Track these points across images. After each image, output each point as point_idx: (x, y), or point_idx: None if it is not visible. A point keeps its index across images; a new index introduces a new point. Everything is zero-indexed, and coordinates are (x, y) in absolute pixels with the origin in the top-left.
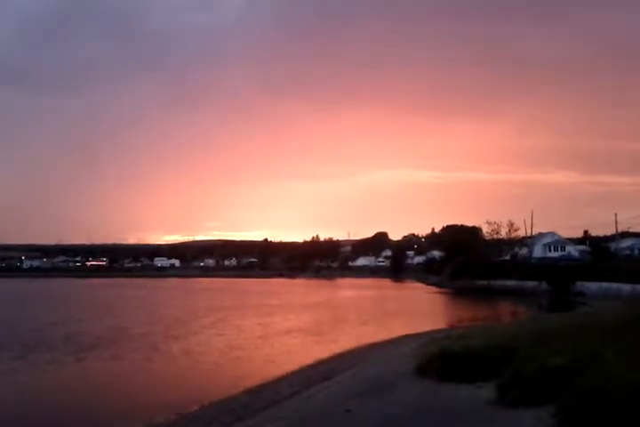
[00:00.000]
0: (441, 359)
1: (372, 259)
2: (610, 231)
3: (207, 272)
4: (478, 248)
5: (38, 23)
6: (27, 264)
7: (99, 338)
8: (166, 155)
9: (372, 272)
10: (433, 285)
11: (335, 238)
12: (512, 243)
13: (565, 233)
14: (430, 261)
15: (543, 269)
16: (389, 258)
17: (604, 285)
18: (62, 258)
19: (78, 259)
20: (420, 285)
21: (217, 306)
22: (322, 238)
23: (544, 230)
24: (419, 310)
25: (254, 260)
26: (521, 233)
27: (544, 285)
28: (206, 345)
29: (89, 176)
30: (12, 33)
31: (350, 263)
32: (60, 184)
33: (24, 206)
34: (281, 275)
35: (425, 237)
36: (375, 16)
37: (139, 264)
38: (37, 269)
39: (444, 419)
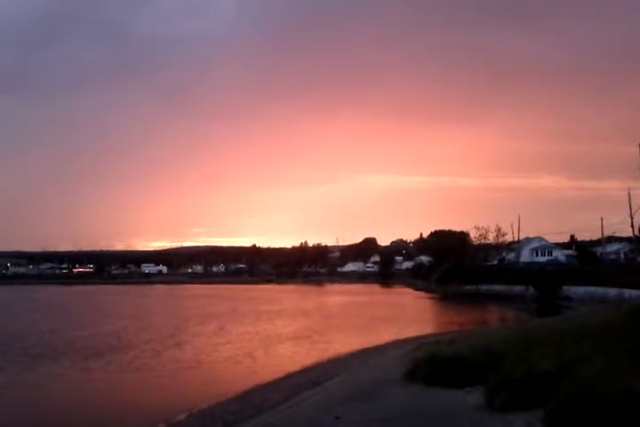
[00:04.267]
0: (429, 365)
1: (361, 264)
2: (596, 236)
3: (195, 279)
4: (466, 253)
5: (35, 27)
6: (12, 271)
7: (98, 347)
8: (154, 161)
9: (361, 278)
10: (421, 290)
11: (324, 244)
12: (499, 248)
13: (552, 238)
14: (419, 267)
15: (530, 273)
16: (378, 263)
17: (591, 289)
18: (48, 265)
19: (65, 266)
20: (408, 290)
21: (209, 313)
22: (310, 244)
23: (531, 235)
24: (407, 315)
25: (242, 266)
26: (508, 238)
27: (531, 289)
28: (204, 353)
29: (76, 182)
30: (5, 36)
31: (339, 269)
32: (46, 190)
33: (9, 212)
34: (270, 281)
35: (413, 243)
36: (365, 23)
37: (126, 271)
38: (23, 276)
39: (433, 424)
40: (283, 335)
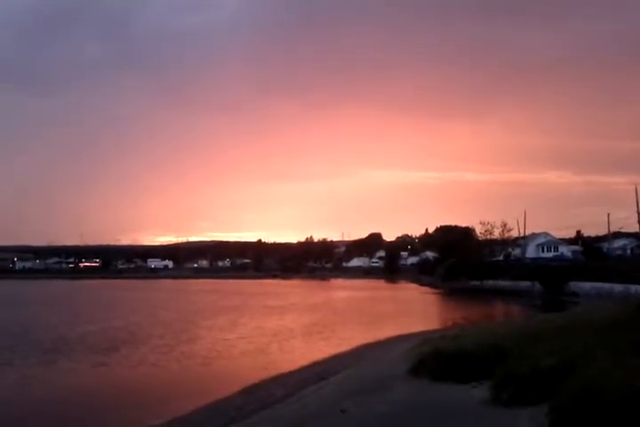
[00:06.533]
0: (435, 359)
1: (366, 260)
2: (602, 231)
3: (201, 273)
4: (472, 249)
5: (34, 23)
6: (19, 266)
7: (110, 342)
8: (160, 156)
9: (366, 273)
10: (427, 285)
11: (329, 239)
12: (505, 243)
13: (558, 233)
14: (424, 262)
15: (536, 269)
16: (383, 259)
17: (597, 285)
18: (55, 259)
19: (71, 260)
20: (413, 285)
21: (218, 308)
22: (316, 239)
23: (537, 231)
24: (413, 310)
25: (248, 261)
26: (514, 233)
27: (537, 285)
28: (217, 348)
29: (82, 177)
30: (6, 32)
31: (344, 264)
32: (52, 185)
33: (16, 207)
34: (275, 276)
35: (419, 238)
36: (367, 19)
37: (132, 265)
38: (30, 270)
39: (438, 418)
40: (293, 330)
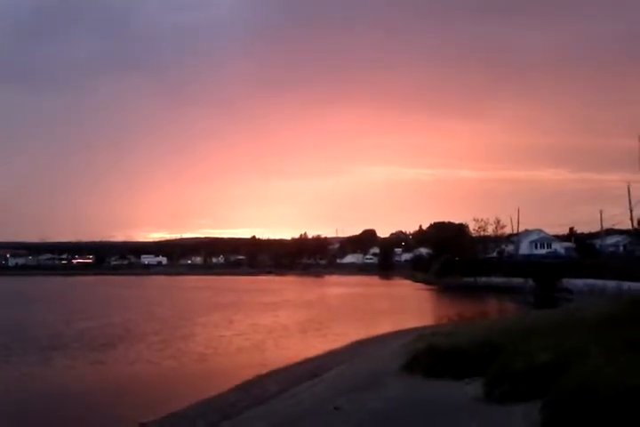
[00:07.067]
0: (428, 356)
1: (360, 256)
2: (595, 228)
3: (195, 270)
4: (465, 245)
5: (34, 22)
6: (12, 262)
7: (107, 339)
8: (154, 152)
9: (360, 269)
10: (421, 282)
11: (323, 236)
12: (499, 240)
13: (551, 230)
14: (418, 259)
15: (529, 266)
16: (377, 255)
17: (590, 281)
18: (48, 256)
19: (64, 257)
20: (407, 282)
21: (213, 305)
22: (310, 236)
23: (530, 227)
24: (407, 306)
25: (242, 257)
26: (507, 230)
27: (530, 282)
28: (212, 345)
29: (75, 173)
30: (6, 32)
31: (338, 261)
32: (45, 181)
33: (9, 203)
34: (269, 272)
35: (413, 235)
36: (365, 18)
37: (125, 262)
38: (23, 267)
39: (432, 415)
40: (287, 327)
